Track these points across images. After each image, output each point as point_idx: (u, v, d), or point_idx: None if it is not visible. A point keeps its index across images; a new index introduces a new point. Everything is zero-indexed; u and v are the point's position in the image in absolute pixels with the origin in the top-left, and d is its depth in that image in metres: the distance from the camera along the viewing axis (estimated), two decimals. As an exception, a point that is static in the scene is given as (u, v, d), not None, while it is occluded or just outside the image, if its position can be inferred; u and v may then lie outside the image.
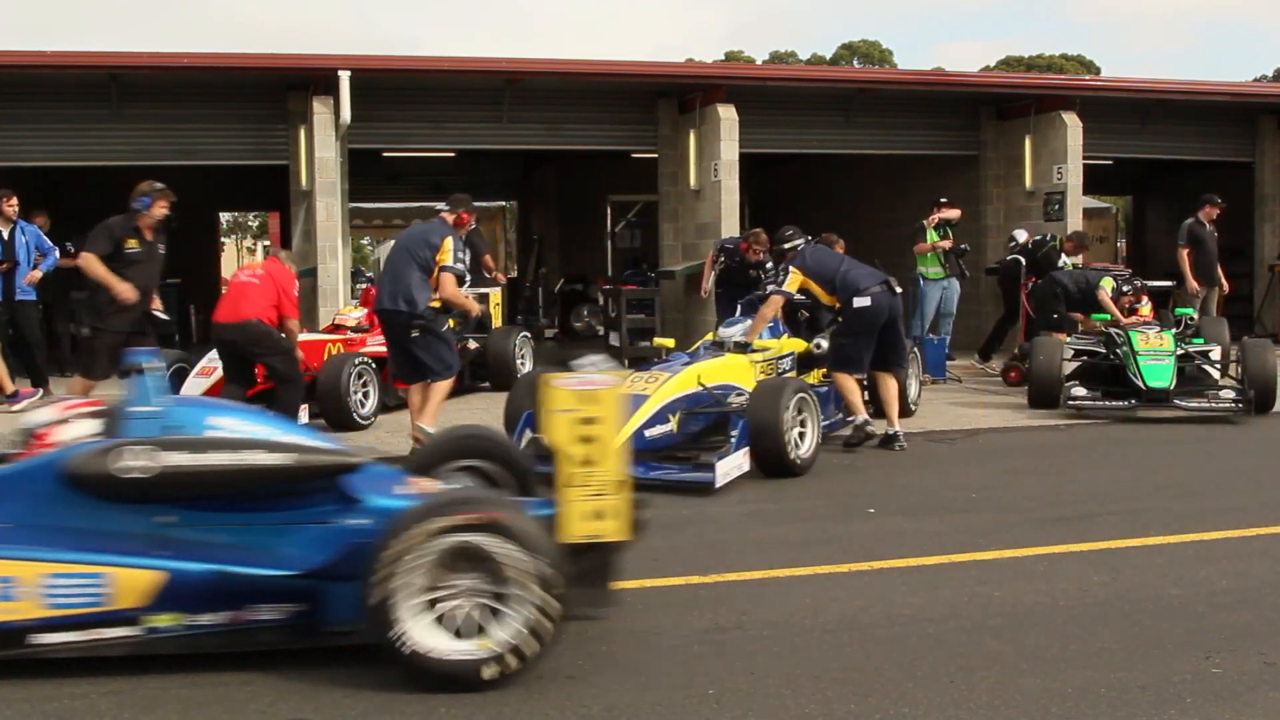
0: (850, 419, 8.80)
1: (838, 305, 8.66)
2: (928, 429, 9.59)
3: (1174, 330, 10.90)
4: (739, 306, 10.39)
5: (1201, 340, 11.37)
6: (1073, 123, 15.19)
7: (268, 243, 25.50)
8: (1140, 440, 9.40)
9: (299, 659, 4.14)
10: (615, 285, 15.86)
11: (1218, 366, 11.01)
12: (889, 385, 8.83)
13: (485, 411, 10.24)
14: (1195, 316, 12.57)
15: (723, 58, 52.49)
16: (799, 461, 7.65)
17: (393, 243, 8.83)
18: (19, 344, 11.25)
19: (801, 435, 7.73)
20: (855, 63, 52.94)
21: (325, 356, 9.99)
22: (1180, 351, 10.47)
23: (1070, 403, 10.24)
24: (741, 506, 6.85)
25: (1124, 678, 3.97)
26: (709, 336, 9.74)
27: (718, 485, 7.13)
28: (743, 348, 8.81)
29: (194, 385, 9.36)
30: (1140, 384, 10.13)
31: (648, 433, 7.49)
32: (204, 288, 22.66)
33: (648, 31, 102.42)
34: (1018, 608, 4.80)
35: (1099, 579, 5.20)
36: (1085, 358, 10.88)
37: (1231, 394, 10.18)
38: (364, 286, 13.81)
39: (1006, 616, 4.68)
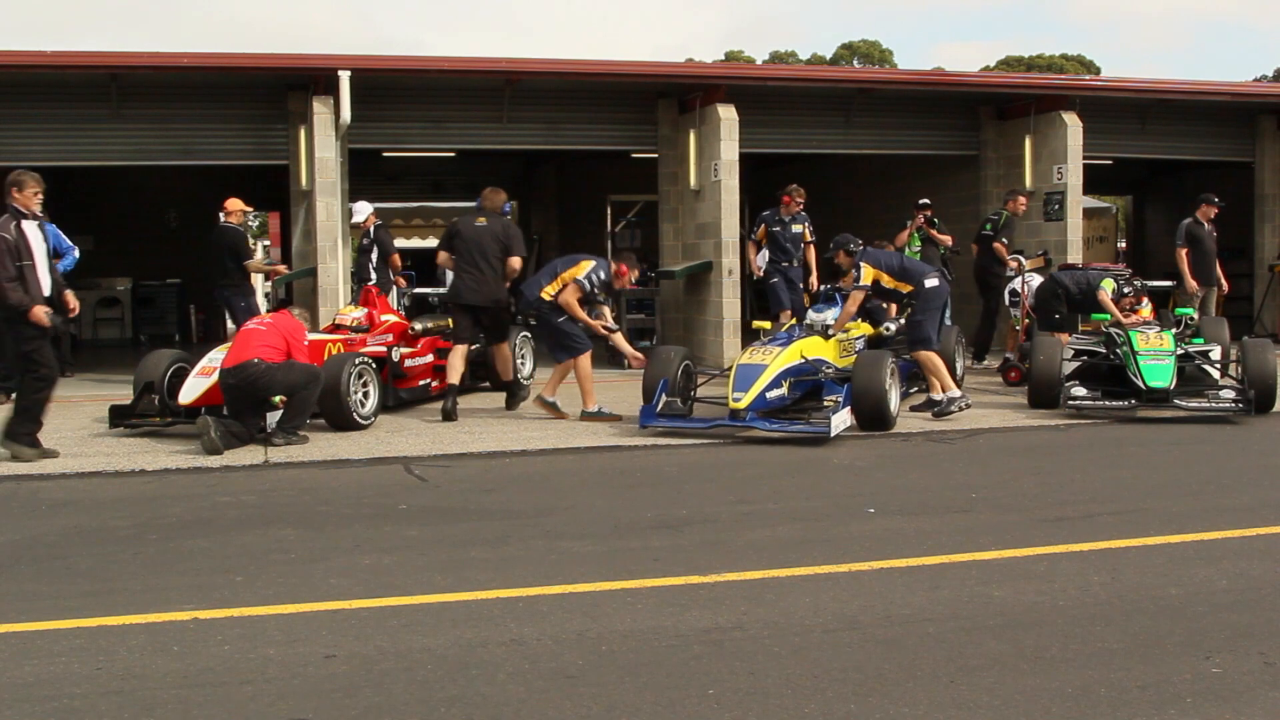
0: (923, 390, 10.44)
1: (908, 290, 10.22)
2: (928, 429, 9.59)
3: (1174, 330, 10.90)
4: (822, 293, 12.08)
5: (1201, 340, 11.38)
6: (1073, 123, 15.18)
7: (267, 242, 25.50)
8: (1140, 440, 9.40)
9: (299, 658, 4.14)
10: (615, 285, 15.84)
11: (1218, 366, 11.01)
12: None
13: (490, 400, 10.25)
14: (1195, 316, 12.58)
15: (723, 58, 52.51)
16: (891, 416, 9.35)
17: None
18: None
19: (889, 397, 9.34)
20: (855, 63, 52.96)
21: (325, 356, 9.98)
22: (1180, 351, 10.47)
23: (1070, 403, 10.23)
24: (741, 506, 6.85)
25: (1124, 678, 3.97)
26: (781, 323, 11.27)
27: (832, 435, 8.79)
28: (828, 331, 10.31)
29: (194, 385, 9.32)
30: (1140, 384, 10.12)
31: (768, 395, 9.18)
32: (204, 288, 22.71)
33: (648, 31, 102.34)
34: (1018, 608, 4.79)
35: (1099, 579, 5.20)
36: (1085, 358, 10.88)
37: (1231, 394, 10.18)
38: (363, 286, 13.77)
39: (1006, 616, 4.68)
